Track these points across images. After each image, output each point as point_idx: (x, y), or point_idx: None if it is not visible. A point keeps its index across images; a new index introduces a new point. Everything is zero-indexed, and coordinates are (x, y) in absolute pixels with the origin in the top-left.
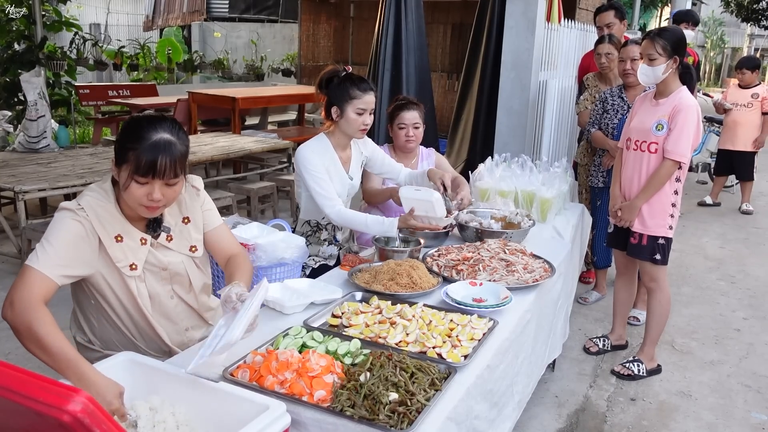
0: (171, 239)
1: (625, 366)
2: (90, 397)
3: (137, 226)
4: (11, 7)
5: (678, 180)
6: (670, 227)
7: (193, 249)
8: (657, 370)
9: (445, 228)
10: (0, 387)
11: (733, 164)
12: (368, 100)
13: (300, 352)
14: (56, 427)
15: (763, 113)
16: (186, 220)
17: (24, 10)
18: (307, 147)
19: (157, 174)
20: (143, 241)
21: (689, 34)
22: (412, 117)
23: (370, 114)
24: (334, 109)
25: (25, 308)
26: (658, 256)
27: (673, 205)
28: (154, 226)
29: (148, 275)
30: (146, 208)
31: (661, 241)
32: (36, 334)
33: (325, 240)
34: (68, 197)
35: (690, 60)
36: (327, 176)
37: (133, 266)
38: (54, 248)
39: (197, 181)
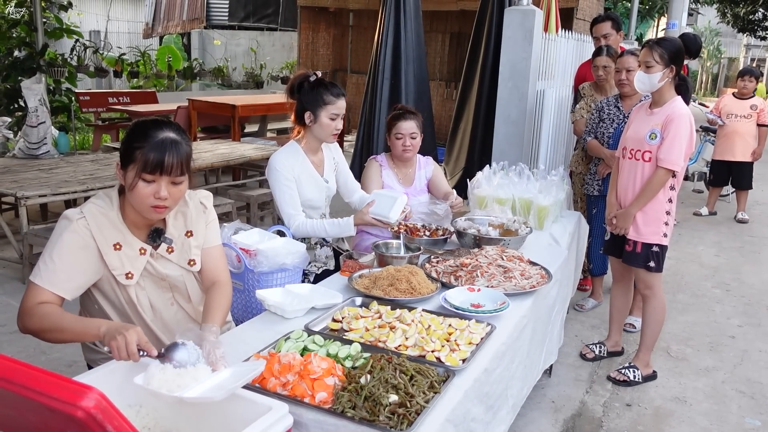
0: (172, 251)
1: (620, 372)
2: (102, 393)
3: (138, 236)
4: (12, 6)
5: (672, 188)
6: (665, 235)
7: (192, 263)
8: (652, 376)
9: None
10: (13, 383)
11: (732, 174)
12: (341, 105)
13: (301, 355)
14: (69, 423)
15: (759, 125)
16: (189, 234)
17: (24, 11)
18: (277, 158)
19: (165, 170)
20: (142, 251)
21: None
22: (409, 127)
23: (342, 119)
24: (307, 114)
25: (27, 314)
26: (652, 264)
27: (668, 213)
28: (154, 236)
29: (148, 283)
30: (153, 209)
31: (655, 248)
32: (46, 325)
33: (316, 243)
34: (69, 203)
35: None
36: (295, 190)
37: (129, 275)
38: (55, 263)
39: (207, 198)
